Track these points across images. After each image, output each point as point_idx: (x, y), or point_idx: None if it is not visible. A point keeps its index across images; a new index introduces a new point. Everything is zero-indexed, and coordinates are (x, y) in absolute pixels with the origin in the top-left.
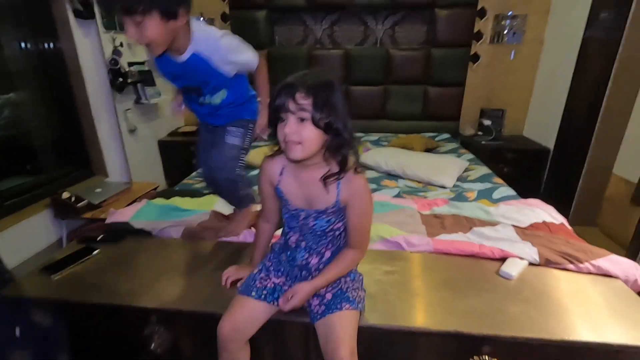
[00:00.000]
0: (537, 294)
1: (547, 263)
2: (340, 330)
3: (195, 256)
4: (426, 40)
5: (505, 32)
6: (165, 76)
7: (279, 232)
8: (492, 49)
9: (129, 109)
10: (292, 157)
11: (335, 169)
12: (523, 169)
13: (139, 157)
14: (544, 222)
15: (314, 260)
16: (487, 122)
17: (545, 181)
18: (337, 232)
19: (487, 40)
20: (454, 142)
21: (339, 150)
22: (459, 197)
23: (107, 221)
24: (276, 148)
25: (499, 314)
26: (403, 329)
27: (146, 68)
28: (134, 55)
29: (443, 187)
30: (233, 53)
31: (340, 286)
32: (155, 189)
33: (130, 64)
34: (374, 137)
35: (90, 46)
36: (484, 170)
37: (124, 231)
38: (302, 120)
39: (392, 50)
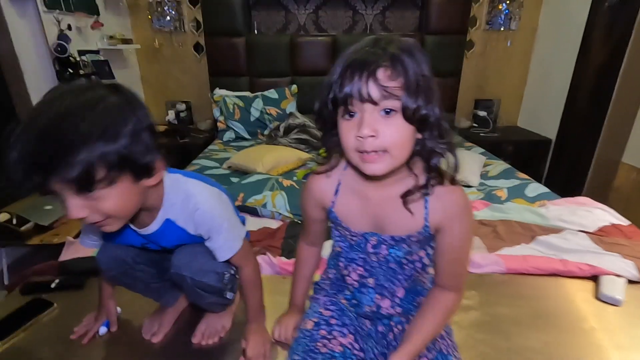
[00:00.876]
0: None
1: None
2: None
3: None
4: (419, 27)
5: (501, 17)
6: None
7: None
8: (486, 35)
9: None
10: (372, 173)
11: (420, 180)
12: (522, 161)
13: None
14: (613, 225)
15: (385, 304)
16: (482, 113)
17: (547, 173)
18: (419, 264)
19: (482, 26)
20: (455, 135)
21: (433, 155)
22: (490, 197)
23: (62, 257)
24: (324, 156)
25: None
26: None
27: (102, 57)
28: (86, 41)
29: (468, 186)
30: (209, 230)
31: (438, 346)
32: None
33: (82, 53)
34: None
35: (28, 29)
36: (502, 164)
37: (88, 271)
38: (387, 112)
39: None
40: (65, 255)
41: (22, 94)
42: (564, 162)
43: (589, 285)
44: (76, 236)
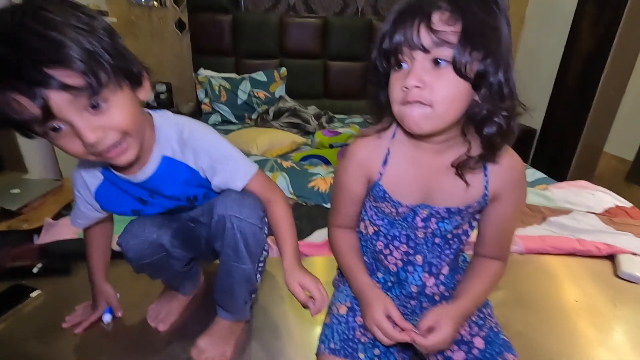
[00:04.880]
0: None
1: None
2: None
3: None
4: None
5: None
6: (119, 211)
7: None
8: None
9: None
10: (411, 129)
11: (473, 148)
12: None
13: None
14: (618, 207)
15: (430, 282)
16: None
17: (531, 161)
18: (464, 237)
19: None
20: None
21: (488, 122)
22: None
23: (42, 240)
24: (372, 122)
25: None
26: None
27: None
28: None
29: None
30: (216, 159)
31: (488, 324)
32: None
33: None
34: (359, 119)
35: None
36: None
37: (73, 254)
38: (436, 63)
39: (375, 21)
40: (45, 239)
41: None
42: (548, 150)
43: (606, 263)
44: (55, 217)
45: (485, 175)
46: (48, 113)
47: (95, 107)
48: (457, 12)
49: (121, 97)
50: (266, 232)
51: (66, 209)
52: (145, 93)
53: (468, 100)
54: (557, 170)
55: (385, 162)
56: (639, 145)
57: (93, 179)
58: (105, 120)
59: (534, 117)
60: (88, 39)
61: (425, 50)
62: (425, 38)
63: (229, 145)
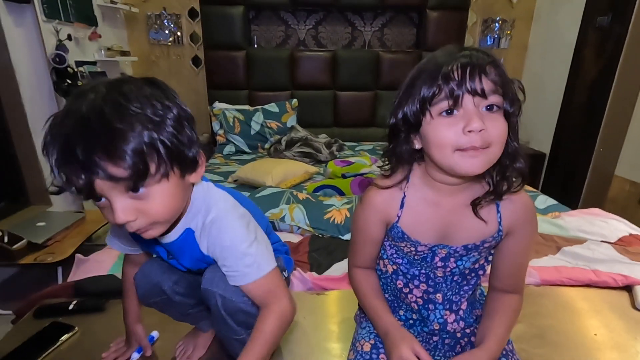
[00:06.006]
0: None
1: None
2: None
3: None
4: (416, 44)
5: (495, 36)
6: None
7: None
8: None
9: None
10: (470, 170)
11: (489, 187)
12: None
13: None
14: (632, 235)
15: (451, 319)
16: None
17: (542, 186)
18: (481, 272)
19: (476, 44)
20: None
21: (517, 158)
22: None
23: (74, 277)
24: (387, 170)
25: None
26: None
27: (99, 69)
28: (84, 52)
29: None
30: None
31: (509, 358)
32: None
33: (79, 63)
34: (368, 146)
35: (25, 39)
36: None
37: (107, 292)
38: (489, 109)
39: (382, 53)
40: (77, 274)
41: (16, 105)
42: (559, 176)
43: (624, 295)
44: (78, 250)
45: (498, 211)
46: (92, 191)
47: (136, 191)
48: (498, 69)
49: (165, 186)
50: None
51: (89, 241)
52: (197, 176)
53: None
54: (569, 196)
55: (402, 205)
56: None
57: None
58: (141, 206)
59: (542, 143)
60: (151, 132)
61: (484, 96)
62: (487, 85)
63: (246, 238)
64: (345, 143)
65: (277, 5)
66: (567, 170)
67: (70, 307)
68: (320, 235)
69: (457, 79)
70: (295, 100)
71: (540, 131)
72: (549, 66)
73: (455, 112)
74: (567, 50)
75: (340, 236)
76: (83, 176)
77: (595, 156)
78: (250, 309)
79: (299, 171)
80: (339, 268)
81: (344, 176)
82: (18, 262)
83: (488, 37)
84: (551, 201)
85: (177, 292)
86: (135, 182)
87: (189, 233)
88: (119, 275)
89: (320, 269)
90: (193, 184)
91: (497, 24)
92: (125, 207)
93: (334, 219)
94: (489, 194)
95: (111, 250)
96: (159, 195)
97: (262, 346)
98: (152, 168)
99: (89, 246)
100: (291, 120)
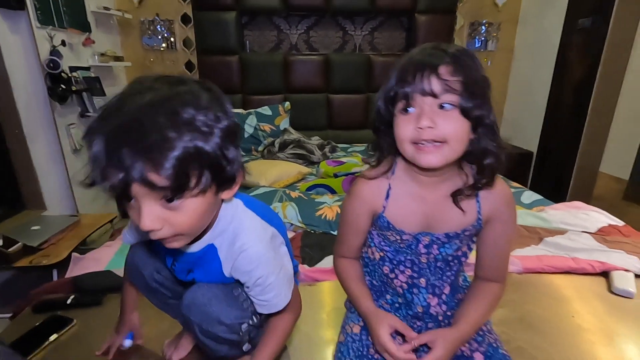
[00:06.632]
0: None
1: None
2: None
3: None
4: (406, 47)
5: (482, 39)
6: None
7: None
8: None
9: (72, 124)
10: (426, 164)
11: (469, 179)
12: (507, 173)
13: None
14: (611, 226)
15: (434, 302)
16: None
17: (531, 184)
18: (464, 259)
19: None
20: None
21: (487, 154)
22: None
23: (72, 273)
24: (374, 162)
25: None
26: None
27: (92, 74)
28: (77, 57)
29: None
30: (256, 282)
31: (487, 340)
32: (111, 220)
33: (73, 69)
34: (360, 147)
35: (20, 45)
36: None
37: (105, 288)
38: (442, 107)
39: (373, 56)
40: (74, 272)
41: (11, 110)
42: (547, 173)
43: (601, 281)
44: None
45: (478, 201)
46: (126, 192)
47: (170, 201)
48: (458, 67)
49: (199, 201)
50: (244, 327)
51: (83, 244)
52: (230, 193)
53: (468, 138)
54: (557, 193)
55: (387, 197)
56: (632, 165)
57: None
58: (170, 216)
59: (530, 142)
60: (199, 144)
61: (434, 96)
62: (436, 86)
63: (273, 268)
64: (338, 145)
65: (269, 10)
66: (555, 168)
67: (69, 301)
68: (312, 231)
69: (409, 79)
70: (287, 104)
71: (528, 130)
72: (535, 67)
73: (410, 110)
74: (552, 51)
75: (331, 232)
76: (121, 176)
77: (580, 154)
78: (229, 336)
79: (292, 172)
80: (330, 261)
81: (335, 175)
82: (14, 265)
83: (476, 40)
84: (536, 196)
85: (156, 280)
86: (173, 193)
87: (210, 248)
88: (116, 272)
89: (312, 262)
90: (223, 200)
91: (483, 27)
92: (153, 215)
93: (326, 216)
94: (467, 188)
95: (108, 248)
96: (190, 209)
97: (283, 341)
98: (193, 182)
99: (84, 249)
100: (284, 122)
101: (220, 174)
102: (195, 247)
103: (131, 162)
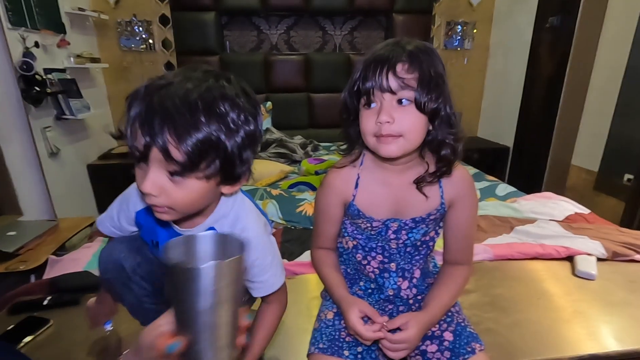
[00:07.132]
0: (634, 290)
1: (614, 256)
2: None
3: None
4: None
5: (458, 38)
6: (150, 247)
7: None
8: (445, 54)
9: (48, 127)
10: (386, 154)
11: (430, 167)
12: (485, 167)
13: (64, 186)
14: (577, 214)
15: (404, 286)
16: None
17: (508, 177)
18: (431, 243)
19: (441, 46)
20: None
21: (443, 145)
22: None
23: (49, 275)
24: (343, 153)
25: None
26: None
27: (68, 76)
28: (52, 59)
29: None
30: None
31: (455, 320)
32: (91, 224)
33: (48, 71)
34: (343, 146)
35: None
36: (471, 169)
37: (82, 288)
38: (400, 102)
39: (353, 56)
40: (51, 274)
41: None
42: (522, 167)
43: (566, 264)
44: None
45: (440, 187)
46: (146, 155)
47: (175, 174)
48: (414, 64)
49: (199, 184)
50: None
51: (61, 249)
52: (230, 190)
53: (426, 129)
54: (532, 185)
55: (356, 186)
56: (600, 157)
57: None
58: (170, 187)
59: (506, 136)
60: (221, 136)
61: (392, 92)
62: (393, 83)
63: (271, 250)
64: (321, 144)
65: (249, 10)
66: (529, 162)
67: (45, 302)
68: (292, 227)
69: (369, 76)
70: (269, 103)
71: (504, 126)
72: (509, 65)
73: (372, 104)
74: (525, 49)
75: (311, 227)
76: (147, 140)
77: (553, 147)
78: None
79: (275, 170)
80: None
81: (317, 173)
82: None
83: (453, 38)
84: (510, 189)
85: (137, 272)
86: (183, 169)
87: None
88: (95, 272)
89: (292, 256)
90: (223, 194)
91: (459, 27)
92: (156, 181)
93: (306, 212)
94: (429, 175)
95: (86, 249)
96: (189, 188)
97: (271, 334)
98: (202, 166)
99: (62, 254)
100: (266, 122)
101: (229, 170)
102: (197, 230)
103: (159, 130)
